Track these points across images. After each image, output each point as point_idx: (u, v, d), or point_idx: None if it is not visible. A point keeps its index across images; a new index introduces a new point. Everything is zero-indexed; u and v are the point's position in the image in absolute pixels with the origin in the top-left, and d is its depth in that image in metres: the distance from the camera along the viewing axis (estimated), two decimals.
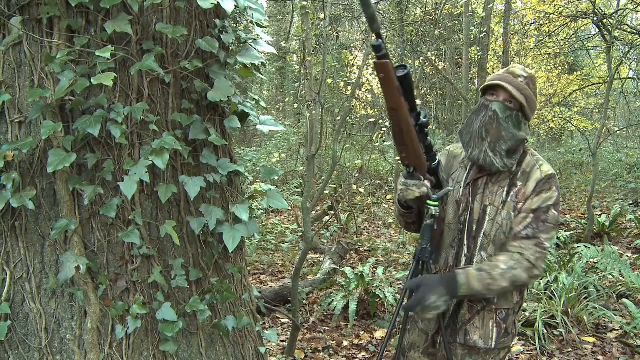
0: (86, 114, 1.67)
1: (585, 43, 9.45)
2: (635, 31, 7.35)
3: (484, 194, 1.82)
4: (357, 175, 9.27)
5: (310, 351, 3.64)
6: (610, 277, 4.69)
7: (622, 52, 7.58)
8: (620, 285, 4.52)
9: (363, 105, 11.82)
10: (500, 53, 10.00)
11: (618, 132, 13.64)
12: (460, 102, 12.66)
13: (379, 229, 7.51)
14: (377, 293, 4.22)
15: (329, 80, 9.48)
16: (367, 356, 3.61)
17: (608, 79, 6.79)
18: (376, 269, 4.79)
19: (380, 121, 8.97)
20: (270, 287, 4.74)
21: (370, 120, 10.45)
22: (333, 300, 4.27)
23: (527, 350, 3.62)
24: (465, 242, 1.84)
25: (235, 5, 1.76)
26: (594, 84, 10.10)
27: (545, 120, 11.46)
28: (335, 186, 8.40)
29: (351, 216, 7.50)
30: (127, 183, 1.65)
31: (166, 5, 1.77)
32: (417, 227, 1.92)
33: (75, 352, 1.72)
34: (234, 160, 2.07)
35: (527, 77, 1.78)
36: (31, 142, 1.64)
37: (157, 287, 1.81)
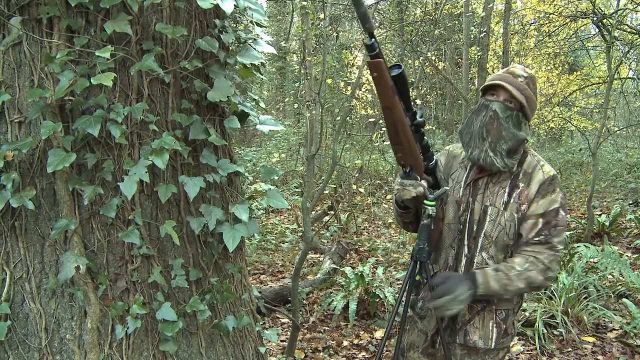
0: (86, 114, 1.67)
1: (585, 43, 9.45)
2: (635, 31, 7.35)
3: (484, 195, 1.82)
4: (357, 175, 9.26)
5: (310, 351, 3.64)
6: (610, 277, 4.69)
7: (622, 52, 7.57)
8: (620, 285, 4.51)
9: (363, 105, 11.82)
10: (500, 53, 10.00)
11: (618, 132, 13.65)
12: (460, 102, 12.66)
13: (378, 229, 7.51)
14: (377, 293, 4.22)
15: (329, 80, 9.49)
16: (367, 356, 3.61)
17: (608, 78, 6.79)
18: (376, 268, 4.79)
19: (380, 121, 8.96)
20: (270, 287, 4.74)
21: (370, 120, 10.46)
22: (333, 300, 4.27)
23: (527, 350, 3.62)
24: (466, 243, 1.84)
25: (235, 5, 1.76)
26: (593, 84, 10.10)
27: (545, 120, 11.45)
28: (335, 186, 8.40)
29: (351, 216, 7.50)
30: (127, 183, 1.64)
31: (166, 5, 1.77)
32: (414, 227, 1.92)
33: (75, 352, 1.72)
34: (233, 160, 2.06)
35: (527, 77, 1.78)
36: (31, 142, 1.64)
37: (157, 287, 1.81)
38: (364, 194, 8.56)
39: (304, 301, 4.49)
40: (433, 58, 11.68)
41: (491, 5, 9.89)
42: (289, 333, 3.53)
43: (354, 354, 3.65)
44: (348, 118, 8.78)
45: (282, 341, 3.75)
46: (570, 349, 3.61)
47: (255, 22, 2.02)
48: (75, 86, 1.59)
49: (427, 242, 1.75)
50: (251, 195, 2.18)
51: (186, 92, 1.87)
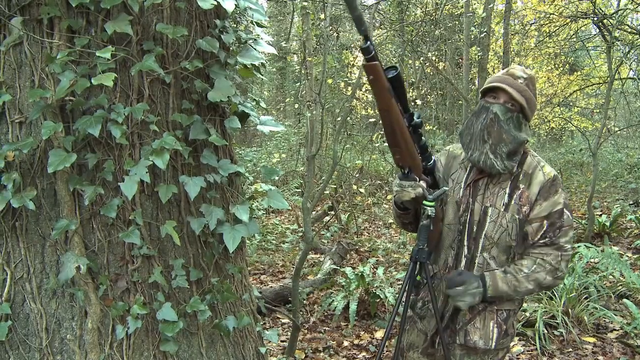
0: (86, 114, 1.67)
1: (585, 43, 9.44)
2: (635, 31, 7.35)
3: (484, 195, 1.82)
4: (357, 175, 9.27)
5: (311, 351, 3.64)
6: (610, 277, 4.69)
7: (622, 52, 7.57)
8: (621, 285, 4.51)
9: (363, 105, 11.82)
10: (501, 53, 10.01)
11: (618, 132, 13.63)
12: (460, 102, 12.66)
13: (379, 229, 7.51)
14: (377, 293, 4.22)
15: (329, 81, 9.49)
16: (367, 356, 3.61)
17: (608, 79, 6.79)
18: (376, 269, 4.79)
19: (381, 121, 8.95)
20: (271, 287, 4.74)
21: (371, 120, 10.46)
22: (333, 300, 4.27)
23: (528, 351, 3.62)
24: (466, 243, 1.84)
25: (235, 6, 1.76)
26: (594, 84, 10.10)
27: (546, 120, 11.46)
28: (335, 186, 8.40)
29: (351, 216, 7.50)
30: (127, 183, 1.65)
31: (166, 6, 1.77)
32: (414, 228, 1.93)
33: (76, 352, 1.72)
34: (234, 160, 2.06)
35: (526, 78, 1.78)
36: (32, 142, 1.64)
37: (157, 287, 1.81)
38: (364, 194, 8.56)
39: (305, 301, 4.49)
40: (433, 58, 11.68)
41: (491, 5, 9.89)
42: (289, 333, 3.53)
43: (355, 354, 3.65)
44: (348, 118, 8.78)
45: (282, 341, 3.75)
46: (570, 350, 3.61)
47: (255, 23, 2.02)
48: (76, 86, 1.60)
49: (427, 242, 1.76)
50: (252, 195, 2.18)
51: (187, 92, 1.88)
